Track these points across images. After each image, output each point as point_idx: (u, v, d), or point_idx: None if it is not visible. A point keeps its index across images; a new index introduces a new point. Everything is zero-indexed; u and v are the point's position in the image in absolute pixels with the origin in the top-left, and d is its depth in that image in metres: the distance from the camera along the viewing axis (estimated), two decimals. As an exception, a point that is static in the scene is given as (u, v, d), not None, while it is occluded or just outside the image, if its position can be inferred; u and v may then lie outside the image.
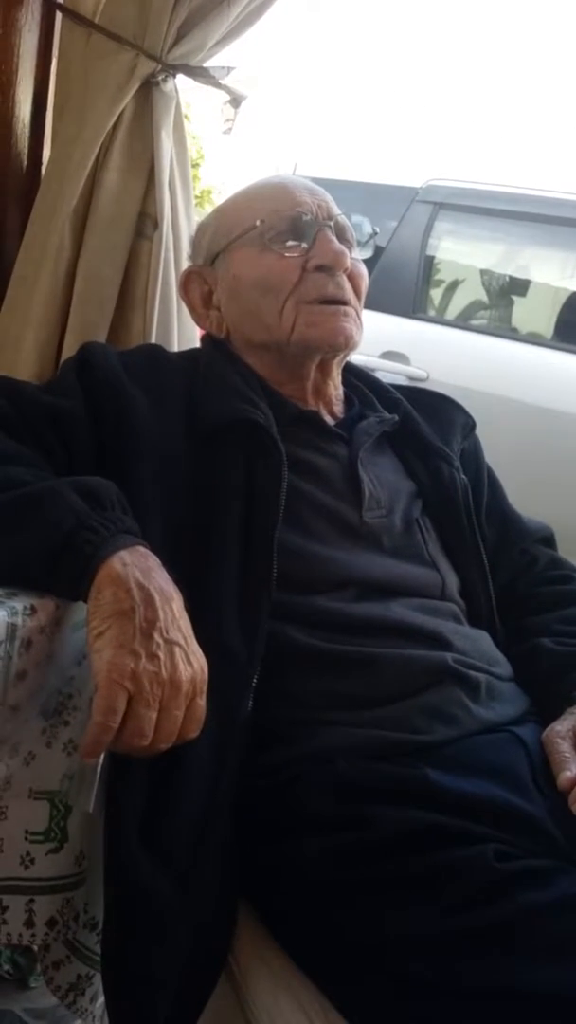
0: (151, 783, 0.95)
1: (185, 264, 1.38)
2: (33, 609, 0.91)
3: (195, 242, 1.35)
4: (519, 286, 3.53)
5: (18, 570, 0.93)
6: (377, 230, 1.31)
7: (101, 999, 1.06)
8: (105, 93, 1.47)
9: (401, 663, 1.05)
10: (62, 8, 1.52)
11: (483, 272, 3.56)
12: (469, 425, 1.37)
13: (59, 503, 0.92)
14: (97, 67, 1.47)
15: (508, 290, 3.54)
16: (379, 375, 1.40)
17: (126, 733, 0.83)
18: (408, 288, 3.36)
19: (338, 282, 1.20)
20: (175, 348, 1.55)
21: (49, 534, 0.90)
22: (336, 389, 1.28)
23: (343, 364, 1.28)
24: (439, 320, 3.45)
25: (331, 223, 1.22)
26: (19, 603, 0.91)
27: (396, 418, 1.28)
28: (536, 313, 3.47)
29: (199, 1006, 0.92)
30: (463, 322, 3.48)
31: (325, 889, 0.93)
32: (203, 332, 1.35)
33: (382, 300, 3.08)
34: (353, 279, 1.23)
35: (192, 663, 0.88)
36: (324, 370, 1.24)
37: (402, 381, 2.89)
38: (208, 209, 1.40)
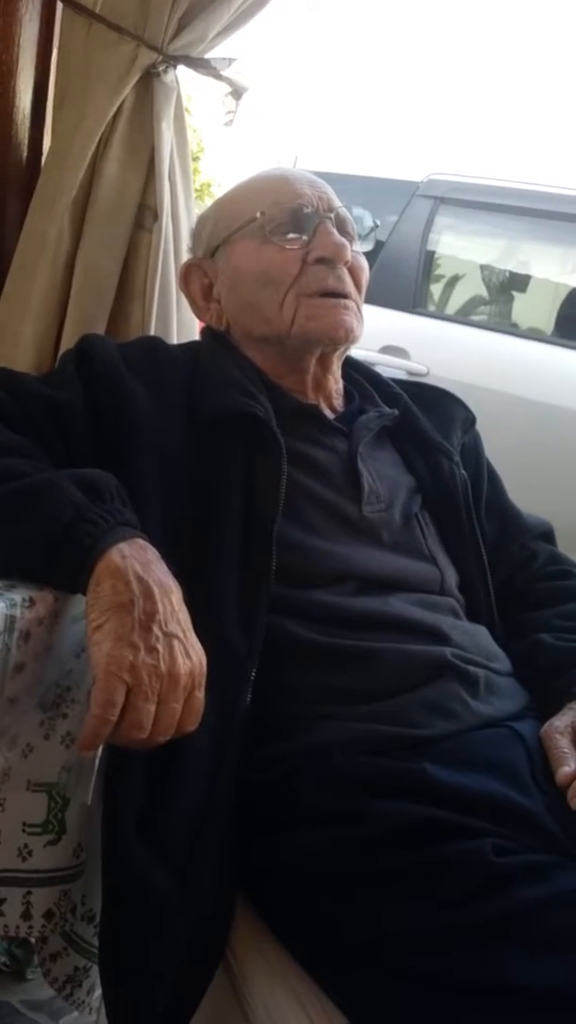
0: (149, 776, 0.95)
1: (185, 256, 1.38)
2: (32, 601, 0.91)
3: (195, 234, 1.34)
4: (519, 281, 3.54)
5: (17, 562, 0.93)
6: (378, 223, 1.31)
7: (98, 991, 1.06)
8: (105, 84, 1.46)
9: (400, 657, 1.05)
10: (63, -2, 1.52)
11: (483, 267, 3.57)
12: (469, 420, 1.37)
13: (58, 495, 0.92)
14: (97, 57, 1.47)
15: (508, 285, 3.54)
16: (379, 370, 1.39)
17: (124, 726, 0.83)
18: (408, 283, 3.36)
19: (338, 275, 1.20)
20: (174, 340, 1.55)
21: (48, 526, 0.90)
22: (336, 383, 1.28)
23: (343, 358, 1.28)
24: (439, 315, 3.45)
25: (332, 215, 1.22)
26: (18, 595, 0.90)
27: (396, 412, 1.27)
28: (536, 309, 3.47)
29: (196, 998, 0.92)
30: (463, 317, 3.49)
31: (323, 883, 0.93)
32: (203, 325, 1.35)
33: (382, 295, 3.08)
34: (354, 272, 1.22)
35: (191, 656, 0.88)
36: (324, 363, 1.23)
37: (402, 376, 2.89)
38: (208, 202, 1.39)
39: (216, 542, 1.05)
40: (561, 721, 1.07)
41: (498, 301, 3.56)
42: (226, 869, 0.97)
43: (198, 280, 1.31)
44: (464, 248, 3.63)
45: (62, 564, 0.90)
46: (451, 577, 1.20)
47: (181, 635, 0.88)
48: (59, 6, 1.53)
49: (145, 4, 1.44)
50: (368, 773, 0.97)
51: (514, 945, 0.82)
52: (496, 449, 1.41)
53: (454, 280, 3.58)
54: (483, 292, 3.56)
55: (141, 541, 0.92)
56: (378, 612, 1.09)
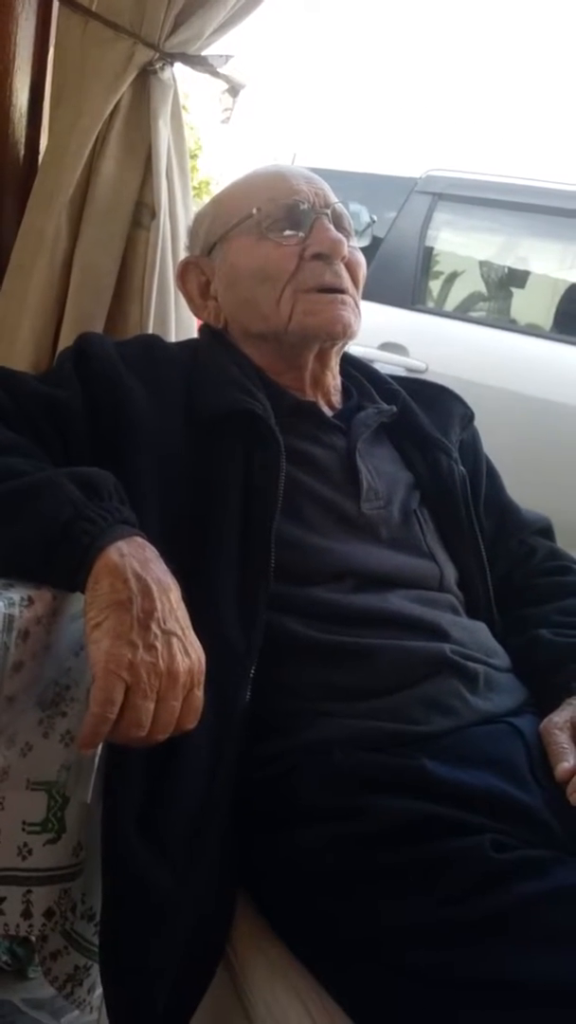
0: (149, 774, 0.95)
1: (182, 254, 1.38)
2: (30, 600, 0.91)
3: (192, 232, 1.34)
4: (518, 277, 3.53)
5: (15, 560, 0.93)
6: (375, 218, 1.31)
7: (99, 990, 1.06)
8: (102, 81, 1.46)
9: (399, 654, 1.05)
10: (59, -5, 1.51)
11: (482, 263, 3.56)
12: (468, 416, 1.37)
13: (56, 493, 0.92)
14: (94, 55, 1.46)
15: (507, 281, 3.53)
16: (377, 366, 1.39)
17: (123, 724, 0.83)
18: (407, 279, 3.35)
19: (335, 270, 1.20)
20: (172, 338, 1.54)
21: (46, 524, 0.90)
22: (334, 379, 1.27)
23: (341, 354, 1.28)
24: (438, 311, 3.45)
25: (328, 211, 1.22)
26: (16, 594, 0.90)
27: (394, 409, 1.27)
28: (535, 304, 3.47)
29: (197, 996, 0.92)
30: (462, 313, 3.48)
31: (322, 879, 0.93)
32: (201, 322, 1.35)
33: (381, 291, 3.08)
34: (351, 267, 1.22)
35: (190, 654, 0.88)
36: (322, 359, 1.23)
37: (400, 372, 2.89)
38: (205, 200, 1.39)
39: (215, 540, 1.05)
40: (560, 717, 1.07)
41: (497, 297, 3.56)
42: (226, 867, 0.97)
43: (195, 278, 1.30)
44: (463, 244, 3.63)
45: (60, 562, 0.90)
46: (450, 573, 1.20)
47: (180, 633, 0.88)
48: (55, 4, 1.52)
49: (141, 1, 1.44)
50: (367, 769, 0.97)
51: (513, 941, 0.82)
52: (495, 445, 1.41)
53: (453, 276, 3.57)
54: (482, 288, 3.55)
55: (139, 539, 0.92)
56: (377, 609, 1.09)
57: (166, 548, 0.94)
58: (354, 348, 1.31)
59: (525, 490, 1.44)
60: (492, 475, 1.37)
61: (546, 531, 1.39)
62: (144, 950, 0.91)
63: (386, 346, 3.19)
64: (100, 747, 0.98)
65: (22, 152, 1.59)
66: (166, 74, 1.51)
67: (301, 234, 1.20)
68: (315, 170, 1.29)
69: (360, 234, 1.27)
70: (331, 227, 1.20)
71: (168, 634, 0.87)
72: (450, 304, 3.53)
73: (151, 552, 0.91)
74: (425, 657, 1.06)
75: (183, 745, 0.91)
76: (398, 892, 0.88)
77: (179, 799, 0.94)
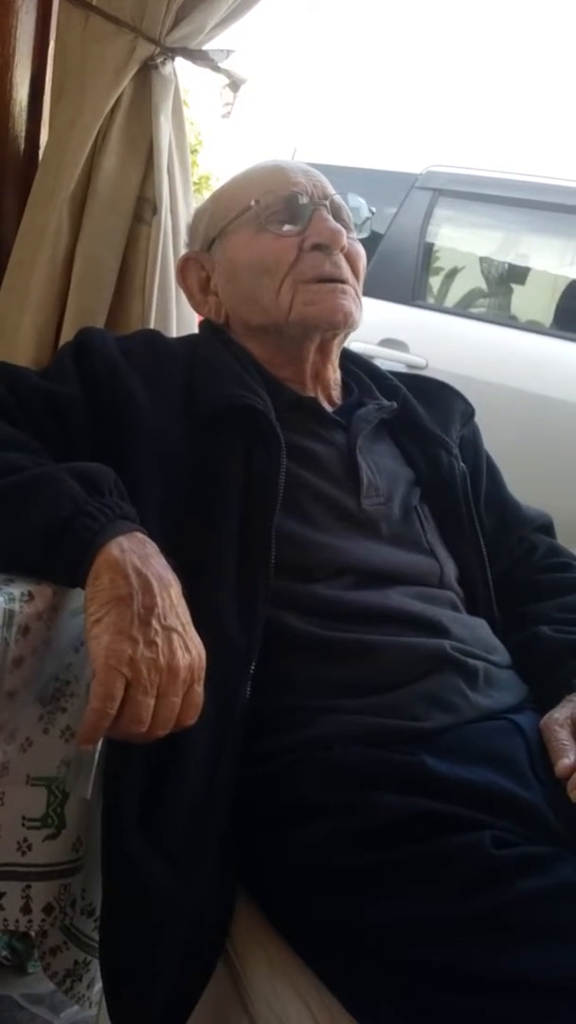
0: (149, 770, 0.95)
1: (183, 249, 1.37)
2: (30, 595, 0.91)
3: (192, 228, 1.34)
4: (518, 274, 3.53)
5: (15, 556, 0.93)
6: (374, 211, 1.31)
7: (98, 985, 1.06)
8: (103, 76, 1.45)
9: (399, 651, 1.05)
10: (60, -11, 1.51)
11: (482, 259, 3.56)
12: (468, 413, 1.37)
13: (57, 489, 0.92)
14: (95, 50, 1.46)
15: (507, 278, 3.53)
16: (378, 363, 1.39)
17: (123, 720, 0.83)
18: (407, 275, 3.35)
19: (335, 261, 1.19)
20: (174, 333, 1.54)
21: (47, 520, 0.90)
22: (335, 373, 1.27)
23: (342, 346, 1.28)
24: (438, 308, 3.45)
25: (327, 203, 1.22)
26: (16, 589, 0.90)
27: (395, 405, 1.27)
28: (535, 301, 3.46)
29: (197, 992, 0.92)
30: (462, 310, 3.47)
31: (323, 875, 0.93)
32: (201, 318, 1.35)
33: (381, 287, 3.08)
34: (351, 258, 1.22)
35: (190, 650, 0.88)
36: (324, 351, 1.23)
37: (401, 369, 2.89)
38: (206, 195, 1.39)
39: (215, 536, 1.05)
40: (560, 713, 1.07)
41: (497, 293, 3.55)
42: (226, 863, 0.97)
43: (195, 273, 1.30)
44: (463, 240, 3.62)
45: (61, 558, 0.90)
46: (450, 570, 1.20)
47: (180, 629, 0.88)
48: (55, -2, 1.52)
49: (143, -4, 1.44)
50: (368, 766, 0.96)
51: (514, 937, 0.82)
52: (495, 442, 1.41)
53: (453, 272, 3.57)
54: (482, 284, 3.55)
55: (140, 535, 0.92)
56: (377, 605, 1.09)
57: (166, 544, 0.94)
58: (354, 344, 1.31)
59: (525, 486, 1.44)
60: (493, 471, 1.37)
61: (547, 527, 1.39)
62: (144, 946, 0.91)
63: (386, 342, 3.19)
64: (100, 743, 0.98)
65: (22, 147, 1.58)
66: (167, 69, 1.51)
67: (300, 227, 1.20)
68: (316, 165, 1.29)
69: (359, 227, 1.27)
70: (330, 218, 1.20)
71: (168, 630, 0.87)
72: (450, 300, 3.53)
73: (152, 548, 0.91)
74: (425, 653, 1.06)
75: (183, 741, 0.91)
76: (399, 888, 0.88)
77: (179, 795, 0.94)
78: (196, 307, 1.34)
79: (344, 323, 1.20)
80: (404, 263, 3.35)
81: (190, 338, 1.33)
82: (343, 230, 1.20)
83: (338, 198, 1.24)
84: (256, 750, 0.99)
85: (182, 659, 0.86)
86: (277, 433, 1.10)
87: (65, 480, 0.93)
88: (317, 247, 1.19)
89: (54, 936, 1.13)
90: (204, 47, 1.53)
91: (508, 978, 0.80)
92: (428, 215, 3.39)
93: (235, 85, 1.60)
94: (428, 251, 3.45)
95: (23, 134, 1.58)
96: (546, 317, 3.29)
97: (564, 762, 0.99)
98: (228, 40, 1.56)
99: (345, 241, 1.20)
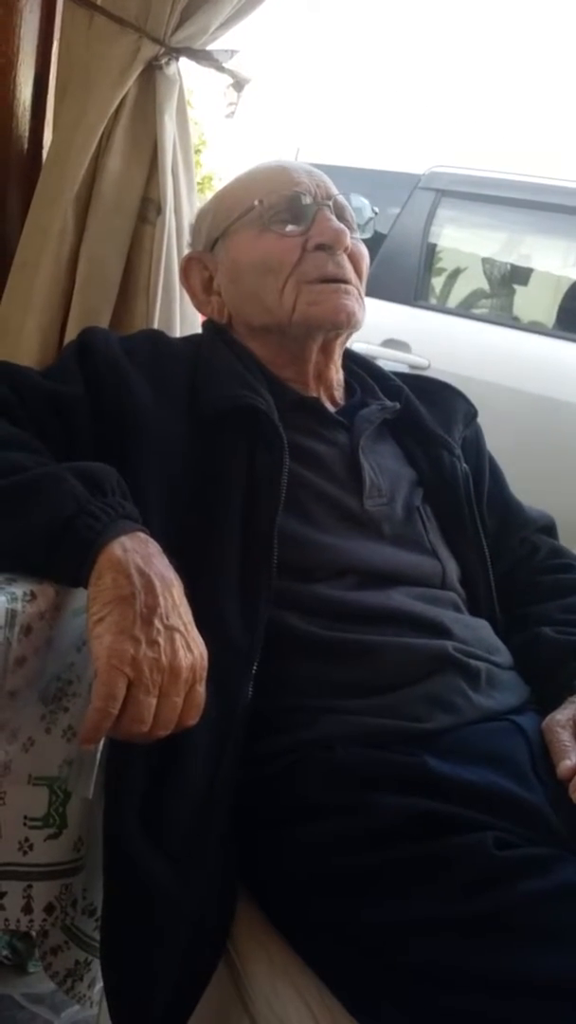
0: (150, 770, 0.95)
1: (187, 250, 1.38)
2: (33, 595, 0.91)
3: (195, 228, 1.34)
4: (521, 274, 3.52)
5: (18, 556, 0.93)
6: (376, 211, 1.31)
7: (99, 985, 1.06)
8: (108, 76, 1.45)
9: (401, 651, 1.05)
10: (64, -11, 1.51)
11: (485, 260, 3.55)
12: (471, 413, 1.37)
13: (59, 488, 0.92)
14: (99, 50, 1.46)
15: (510, 278, 3.53)
16: (380, 363, 1.39)
17: (125, 719, 0.83)
18: (410, 276, 3.35)
19: (338, 261, 1.19)
20: (177, 333, 1.54)
21: (49, 520, 0.90)
22: (337, 373, 1.27)
23: (345, 346, 1.28)
24: (441, 308, 3.45)
25: (330, 203, 1.22)
26: (19, 589, 0.90)
27: (397, 405, 1.27)
28: (538, 302, 3.46)
29: (198, 993, 0.92)
30: (465, 310, 3.47)
31: (323, 876, 0.93)
32: (204, 318, 1.35)
33: (384, 288, 3.07)
34: (354, 259, 1.22)
35: (192, 650, 0.88)
36: (327, 351, 1.23)
37: (403, 369, 2.89)
38: (210, 195, 1.39)
39: (217, 536, 1.05)
40: (562, 714, 1.07)
41: (500, 294, 3.55)
42: (227, 863, 0.97)
43: (198, 273, 1.30)
44: (466, 241, 3.62)
45: (63, 557, 0.90)
46: (452, 570, 1.20)
47: (182, 629, 0.88)
48: (59, -2, 1.52)
49: (147, -4, 1.44)
50: (369, 766, 0.96)
51: (516, 938, 0.82)
52: (498, 442, 1.41)
53: (456, 273, 3.57)
54: (485, 285, 3.55)
55: (142, 535, 0.92)
56: (379, 606, 1.09)
57: (169, 544, 0.94)
58: (357, 345, 1.31)
59: (528, 487, 1.44)
60: (495, 472, 1.37)
61: (549, 528, 1.39)
62: (145, 946, 0.91)
63: (389, 343, 3.18)
64: (102, 743, 0.98)
65: (26, 148, 1.58)
66: (171, 69, 1.51)
67: (303, 227, 1.20)
68: (319, 166, 1.29)
69: (362, 227, 1.27)
70: (333, 218, 1.20)
71: (171, 630, 0.87)
72: (453, 301, 3.53)
73: (154, 547, 0.91)
74: (427, 654, 1.06)
75: (185, 741, 0.91)
76: (400, 889, 0.88)
77: (181, 795, 0.94)
78: (199, 307, 1.34)
79: (347, 323, 1.20)
80: (407, 264, 3.35)
81: (193, 338, 1.33)
82: (346, 230, 1.20)
83: (341, 198, 1.24)
84: (257, 750, 0.99)
85: (184, 659, 0.86)
86: (280, 433, 1.09)
87: (68, 480, 0.93)
88: (320, 247, 1.19)
89: (55, 936, 1.13)
90: (208, 47, 1.53)
91: (509, 979, 0.80)
92: (431, 216, 3.39)
93: (239, 85, 1.60)
94: (431, 252, 3.45)
95: (26, 134, 1.58)
96: (548, 318, 3.29)
97: (566, 763, 0.99)
98: (232, 38, 1.56)
99: (348, 241, 1.20)
